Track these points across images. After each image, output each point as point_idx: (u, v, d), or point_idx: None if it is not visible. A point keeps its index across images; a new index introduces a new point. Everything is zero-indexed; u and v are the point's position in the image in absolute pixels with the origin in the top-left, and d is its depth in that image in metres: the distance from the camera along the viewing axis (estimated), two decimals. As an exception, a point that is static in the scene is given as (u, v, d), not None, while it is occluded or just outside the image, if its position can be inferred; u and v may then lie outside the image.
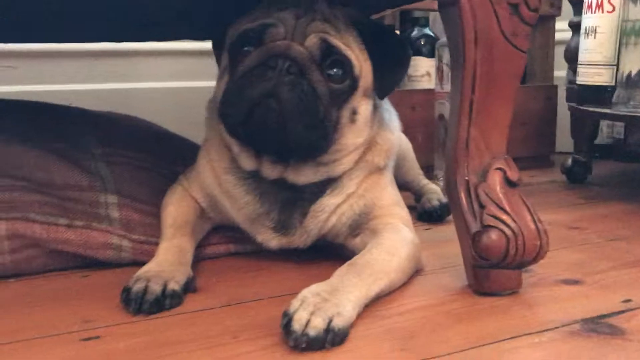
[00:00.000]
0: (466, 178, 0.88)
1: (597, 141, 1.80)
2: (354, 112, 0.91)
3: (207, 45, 1.37)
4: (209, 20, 1.03)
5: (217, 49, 1.04)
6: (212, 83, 1.30)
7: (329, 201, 0.95)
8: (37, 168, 0.99)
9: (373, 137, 0.97)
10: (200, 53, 1.73)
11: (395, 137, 1.03)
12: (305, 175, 0.92)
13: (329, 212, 0.95)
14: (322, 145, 0.88)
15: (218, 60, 1.29)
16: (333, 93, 0.87)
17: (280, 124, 0.83)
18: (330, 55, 0.87)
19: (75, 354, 0.71)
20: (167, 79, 1.82)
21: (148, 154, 1.17)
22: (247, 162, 0.94)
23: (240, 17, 0.93)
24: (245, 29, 0.89)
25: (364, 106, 0.92)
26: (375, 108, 0.96)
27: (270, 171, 0.92)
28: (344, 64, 0.88)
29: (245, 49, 0.88)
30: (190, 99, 1.72)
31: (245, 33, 0.89)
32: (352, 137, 0.92)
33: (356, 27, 0.92)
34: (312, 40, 0.86)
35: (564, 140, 1.92)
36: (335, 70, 0.88)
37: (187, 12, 1.06)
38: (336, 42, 0.88)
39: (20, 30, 1.14)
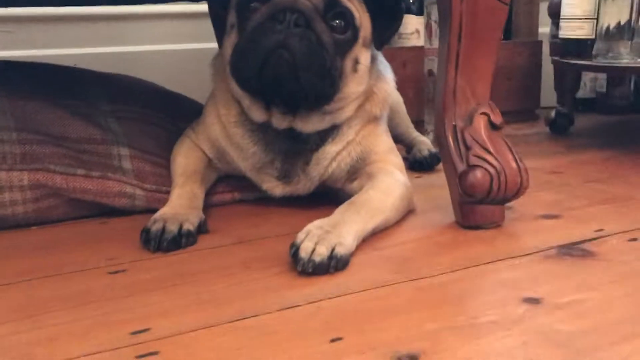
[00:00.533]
0: (454, 123, 0.96)
1: (581, 95, 1.86)
2: (356, 62, 0.97)
3: (205, 7, 1.41)
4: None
5: (217, 10, 1.09)
6: (211, 45, 1.34)
7: (330, 149, 1.02)
8: (53, 123, 1.05)
9: (370, 88, 1.03)
10: (199, 15, 1.76)
11: (390, 87, 1.09)
12: (312, 124, 0.99)
13: (330, 159, 1.02)
14: (329, 93, 0.94)
15: (214, 22, 1.34)
16: (337, 43, 0.93)
17: (292, 73, 0.88)
18: (333, 8, 0.92)
19: (106, 284, 0.78)
20: (165, 41, 1.84)
21: (153, 111, 1.23)
22: (258, 114, 0.99)
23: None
24: (250, -14, 0.94)
25: (364, 56, 0.98)
26: (373, 60, 1.02)
27: (280, 122, 0.98)
28: (346, 15, 0.94)
29: (252, 5, 0.92)
30: (189, 60, 1.76)
31: None
32: (355, 86, 0.98)
33: (353, -18, 0.97)
34: None
35: (548, 95, 1.97)
36: (337, 21, 0.93)
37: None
38: None
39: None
